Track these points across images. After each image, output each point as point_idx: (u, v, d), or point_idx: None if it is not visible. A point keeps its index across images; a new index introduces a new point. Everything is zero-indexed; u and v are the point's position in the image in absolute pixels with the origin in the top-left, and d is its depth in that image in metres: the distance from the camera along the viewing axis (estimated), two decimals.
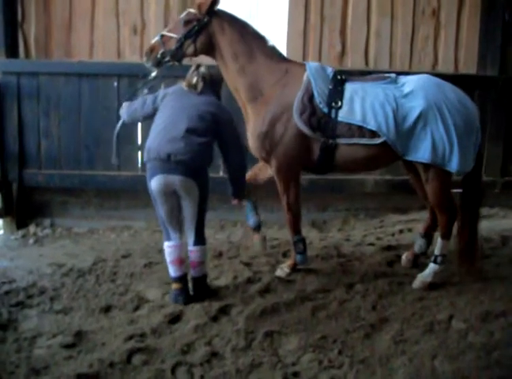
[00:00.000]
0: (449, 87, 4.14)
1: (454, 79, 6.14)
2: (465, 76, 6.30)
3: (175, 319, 3.78)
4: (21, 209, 6.16)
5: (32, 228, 6.07)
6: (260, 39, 4.33)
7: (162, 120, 4.00)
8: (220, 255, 5.09)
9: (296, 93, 4.14)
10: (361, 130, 4.03)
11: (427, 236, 4.73)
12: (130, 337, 3.51)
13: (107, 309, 3.96)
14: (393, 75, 4.22)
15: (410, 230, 5.85)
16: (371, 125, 3.98)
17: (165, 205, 3.96)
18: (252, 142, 4.32)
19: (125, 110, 4.33)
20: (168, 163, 3.82)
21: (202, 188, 3.93)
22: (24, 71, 5.96)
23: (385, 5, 6.37)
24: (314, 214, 6.34)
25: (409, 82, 4.10)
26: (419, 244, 4.75)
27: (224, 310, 3.91)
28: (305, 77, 4.17)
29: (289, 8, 6.36)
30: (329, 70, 4.24)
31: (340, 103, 4.06)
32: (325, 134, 4.10)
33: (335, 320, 3.82)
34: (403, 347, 3.45)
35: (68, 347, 3.41)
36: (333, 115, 4.07)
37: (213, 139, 4.00)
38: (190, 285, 4.12)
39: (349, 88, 4.11)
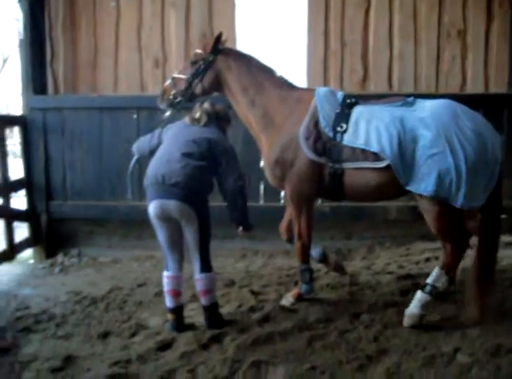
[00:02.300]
0: (468, 116, 3.81)
1: (484, 99, 5.99)
2: (495, 96, 6.06)
3: (165, 346, 3.78)
4: (50, 239, 6.40)
5: (59, 257, 6.28)
6: (267, 71, 4.41)
7: (161, 150, 4.10)
8: (232, 284, 5.05)
9: (304, 119, 4.11)
10: (365, 153, 3.88)
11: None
12: (116, 363, 3.53)
13: (104, 336, 4.03)
14: (410, 98, 4.01)
15: (437, 258, 5.56)
16: (374, 147, 3.81)
17: (163, 232, 3.99)
18: (266, 171, 4.35)
19: (135, 146, 4.48)
20: (164, 187, 3.85)
21: (201, 214, 3.90)
22: (49, 107, 6.26)
23: (407, 29, 6.26)
24: (339, 242, 6.20)
25: (424, 107, 3.87)
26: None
27: (217, 338, 3.86)
28: (312, 103, 4.13)
29: (308, 35, 6.36)
30: (339, 94, 4.17)
31: (345, 127, 3.95)
32: (331, 159, 4.00)
33: (331, 350, 3.67)
34: None
35: (55, 371, 3.49)
36: (338, 139, 3.96)
37: (211, 165, 3.99)
38: (203, 314, 4.10)
39: (356, 111, 4.01)
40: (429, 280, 3.95)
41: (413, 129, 3.75)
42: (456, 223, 3.94)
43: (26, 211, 6.39)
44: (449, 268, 3.95)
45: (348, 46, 6.34)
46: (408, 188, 3.82)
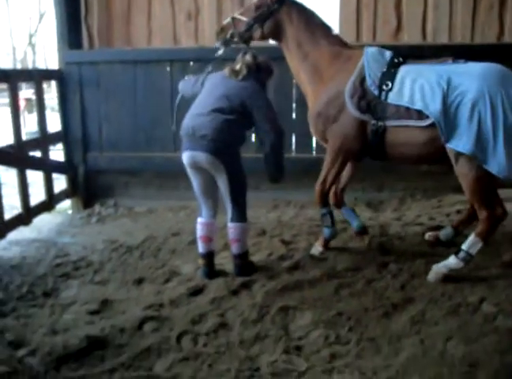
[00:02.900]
0: None
1: None
2: None
3: (196, 292, 3.95)
4: (87, 190, 6.60)
5: (96, 207, 6.48)
6: (325, 29, 4.45)
7: (196, 101, 4.19)
8: (263, 233, 5.17)
9: (351, 77, 4.14)
10: (408, 112, 3.89)
11: (456, 229, 4.57)
12: (149, 306, 3.72)
13: (139, 281, 4.23)
14: (461, 60, 3.97)
15: None
16: (418, 105, 3.82)
17: (197, 180, 4.15)
18: (310, 123, 4.42)
19: (181, 84, 4.58)
20: (194, 138, 3.97)
21: (229, 166, 3.99)
22: (84, 61, 6.34)
23: None
24: (370, 194, 6.22)
25: (474, 67, 3.82)
26: (446, 232, 4.61)
27: (246, 285, 4.00)
28: (360, 61, 4.15)
29: None
30: (387, 54, 4.17)
31: (390, 85, 3.97)
32: (374, 116, 4.04)
33: (358, 298, 3.78)
34: (419, 327, 3.37)
35: (92, 313, 3.70)
36: (382, 98, 3.99)
37: (242, 119, 4.04)
38: (232, 262, 4.25)
39: (403, 70, 4.01)
40: (464, 246, 3.92)
41: (458, 87, 3.72)
42: (492, 191, 3.90)
43: (64, 163, 6.57)
44: (485, 236, 3.87)
45: None
46: (448, 145, 3.78)
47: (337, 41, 4.43)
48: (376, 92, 4.02)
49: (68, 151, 6.55)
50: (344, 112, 4.14)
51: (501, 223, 3.94)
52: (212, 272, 4.20)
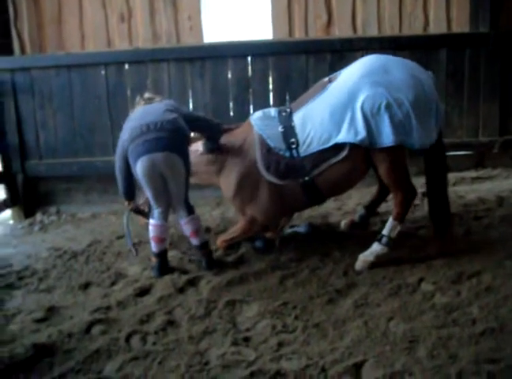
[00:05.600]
0: (395, 62, 3.97)
1: (446, 38, 6.08)
2: (457, 35, 6.13)
3: (143, 292, 3.96)
4: (28, 199, 6.45)
5: (38, 216, 6.37)
6: None
7: (137, 113, 4.22)
8: (208, 230, 5.17)
9: (255, 151, 4.20)
10: (324, 152, 3.99)
11: (369, 209, 4.76)
12: (97, 310, 3.71)
13: (86, 286, 4.20)
14: (333, 74, 4.14)
15: None
16: (331, 141, 3.94)
17: (152, 187, 4.07)
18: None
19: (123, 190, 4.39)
20: (149, 136, 3.93)
21: (186, 161, 4.07)
22: (16, 67, 6.19)
23: None
24: None
25: (352, 73, 3.96)
26: (359, 213, 4.79)
27: (193, 282, 4.05)
28: (255, 134, 4.23)
29: None
30: (272, 111, 4.27)
31: (296, 140, 4.05)
32: (297, 175, 4.10)
33: (302, 287, 3.88)
34: (363, 310, 3.49)
35: (39, 321, 3.66)
36: (295, 155, 4.06)
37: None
38: (199, 255, 4.30)
39: (297, 119, 4.10)
40: (384, 232, 4.08)
41: (353, 99, 3.86)
42: (406, 172, 4.09)
43: (1, 172, 6.42)
44: (402, 217, 4.06)
45: None
46: (374, 147, 3.90)
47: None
48: (288, 154, 4.08)
49: (5, 160, 6.38)
50: (263, 185, 4.20)
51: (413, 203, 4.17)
52: (165, 267, 4.22)
